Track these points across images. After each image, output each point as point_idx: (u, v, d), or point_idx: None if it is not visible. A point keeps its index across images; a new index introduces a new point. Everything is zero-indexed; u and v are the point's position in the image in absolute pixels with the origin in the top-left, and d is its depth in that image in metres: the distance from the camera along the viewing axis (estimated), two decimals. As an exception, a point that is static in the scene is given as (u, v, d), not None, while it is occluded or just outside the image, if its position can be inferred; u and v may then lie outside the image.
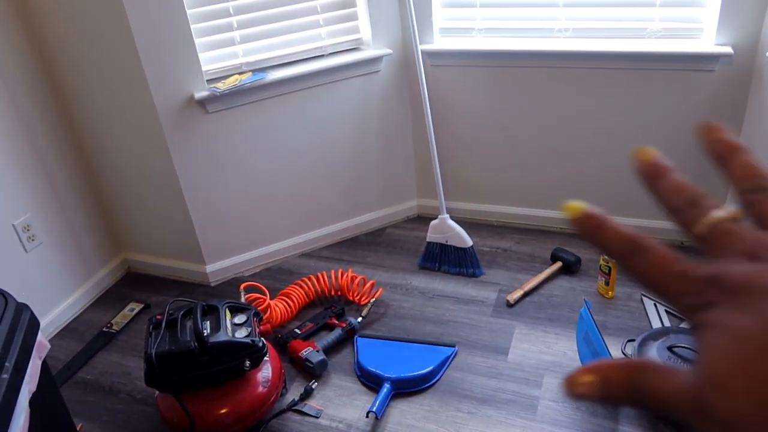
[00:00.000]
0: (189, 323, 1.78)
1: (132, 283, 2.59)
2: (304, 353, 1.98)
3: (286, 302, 2.20)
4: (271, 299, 2.17)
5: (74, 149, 2.36)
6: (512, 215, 2.65)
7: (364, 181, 2.62)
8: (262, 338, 1.80)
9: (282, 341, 2.10)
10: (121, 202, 2.48)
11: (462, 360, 1.98)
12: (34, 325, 1.27)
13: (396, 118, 2.55)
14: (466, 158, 2.59)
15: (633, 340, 1.81)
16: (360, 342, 2.08)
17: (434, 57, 2.40)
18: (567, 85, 2.28)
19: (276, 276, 2.52)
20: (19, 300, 2.17)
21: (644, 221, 2.43)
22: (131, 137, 2.25)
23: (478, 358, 1.98)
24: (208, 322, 1.77)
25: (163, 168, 2.26)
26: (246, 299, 2.06)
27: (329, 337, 2.07)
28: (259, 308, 2.10)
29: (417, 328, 2.14)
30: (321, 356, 1.97)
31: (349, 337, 2.11)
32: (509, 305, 2.19)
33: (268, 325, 1.83)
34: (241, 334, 1.75)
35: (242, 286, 2.07)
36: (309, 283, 2.29)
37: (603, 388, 0.27)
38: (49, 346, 1.31)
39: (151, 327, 1.76)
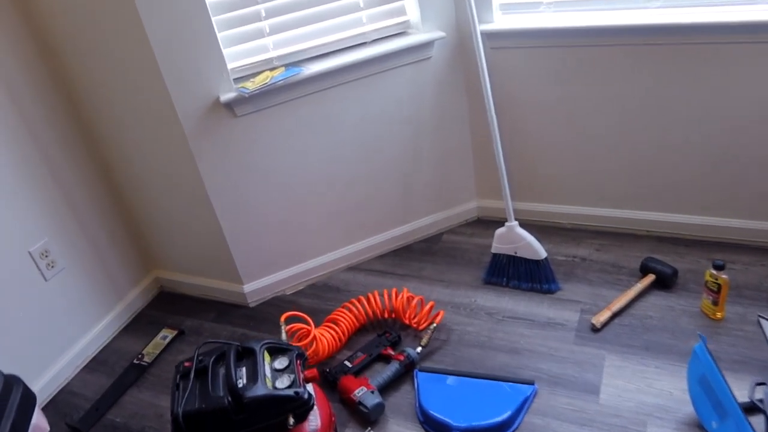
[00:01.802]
0: (222, 370, 1.52)
1: (165, 304, 2.37)
2: (358, 394, 1.70)
3: (334, 330, 1.93)
4: (316, 326, 1.90)
5: (92, 164, 2.12)
6: (589, 217, 2.29)
7: (417, 183, 2.31)
8: (308, 387, 1.52)
9: (331, 377, 1.83)
10: (149, 218, 2.25)
11: (544, 401, 1.67)
12: (27, 403, 1.02)
13: (451, 110, 2.22)
14: (533, 153, 2.24)
15: (764, 384, 1.45)
16: (421, 378, 1.78)
17: (495, 38, 2.05)
18: (657, 66, 1.89)
19: (321, 294, 2.24)
20: (42, 333, 1.97)
21: (741, 222, 2.04)
22: (153, 147, 2.00)
23: (563, 399, 1.66)
24: (244, 369, 1.51)
25: (189, 180, 2.00)
26: (287, 331, 1.79)
27: (385, 373, 1.79)
28: (303, 342, 1.83)
29: (486, 359, 1.83)
30: (377, 399, 1.69)
31: (407, 371, 1.83)
32: (595, 330, 1.86)
33: (315, 370, 1.55)
34: (283, 383, 1.48)
35: (283, 318, 1.80)
36: (359, 306, 2.00)
37: None
38: (47, 428, 1.06)
39: (178, 377, 1.51)
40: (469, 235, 2.40)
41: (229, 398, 1.42)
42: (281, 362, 1.55)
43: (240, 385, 1.45)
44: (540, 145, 2.22)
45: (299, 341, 1.86)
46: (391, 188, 2.28)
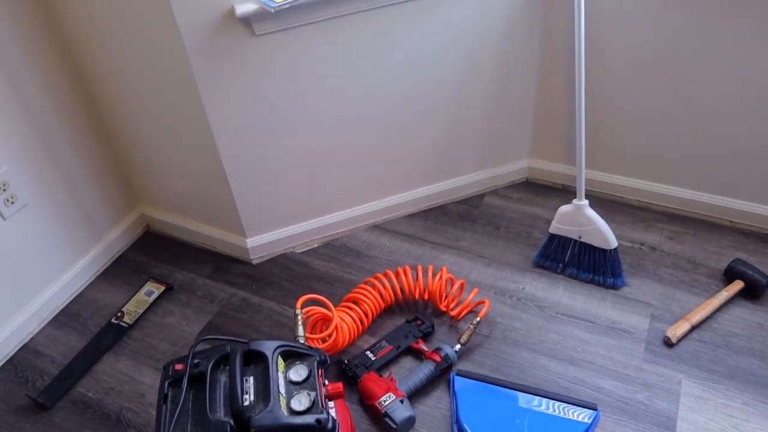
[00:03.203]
0: (224, 379, 1.19)
1: (151, 247, 2.01)
2: (385, 403, 1.40)
3: (355, 313, 1.60)
4: (334, 305, 1.56)
5: (66, 76, 1.67)
6: (661, 196, 1.93)
7: (463, 134, 1.91)
8: (330, 410, 1.21)
9: (350, 372, 1.52)
10: (136, 146, 1.83)
11: (608, 433, 1.39)
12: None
13: (520, 51, 1.78)
14: (608, 113, 1.84)
15: None
16: (458, 385, 1.48)
17: (595, -38, 1.59)
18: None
19: (337, 257, 1.90)
20: (1, 282, 1.61)
21: None
22: (144, 63, 1.56)
23: (630, 433, 1.38)
24: (252, 381, 1.18)
25: (187, 107, 1.59)
26: (303, 315, 1.46)
27: (417, 376, 1.48)
28: (322, 333, 1.50)
29: (535, 367, 1.53)
30: (408, 411, 1.39)
31: (442, 374, 1.52)
32: (669, 344, 1.55)
33: (340, 386, 1.24)
34: (301, 403, 1.16)
35: (299, 303, 1.45)
36: (386, 283, 1.67)
37: None
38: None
39: (167, 385, 1.18)
40: (515, 200, 2.04)
41: (232, 423, 1.10)
42: (299, 372, 1.22)
43: (246, 403, 1.13)
44: (619, 104, 1.81)
45: (315, 327, 1.54)
46: (433, 137, 1.87)
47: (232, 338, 1.24)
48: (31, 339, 1.73)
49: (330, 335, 1.49)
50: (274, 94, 1.60)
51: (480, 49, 1.73)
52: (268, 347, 1.22)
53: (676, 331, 1.56)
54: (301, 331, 1.37)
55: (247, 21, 1.45)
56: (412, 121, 1.80)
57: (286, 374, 1.22)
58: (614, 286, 1.71)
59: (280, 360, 1.23)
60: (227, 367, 1.20)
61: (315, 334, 1.52)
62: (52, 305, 1.78)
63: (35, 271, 1.72)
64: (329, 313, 1.50)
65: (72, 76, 1.68)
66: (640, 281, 1.72)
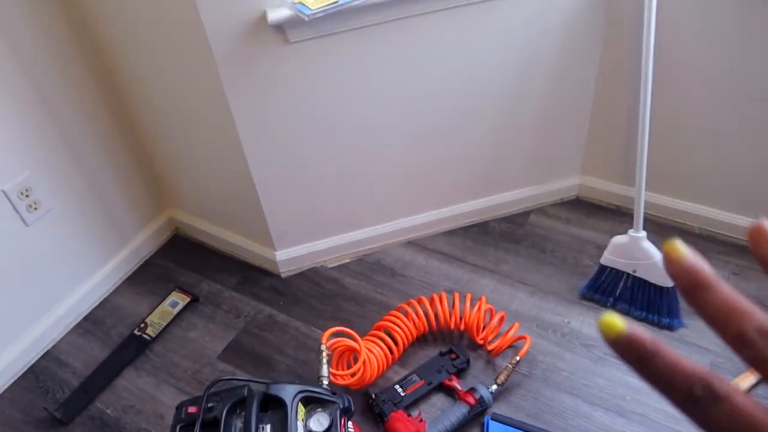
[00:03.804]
0: (239, 424, 1.11)
1: (178, 253, 1.94)
2: (411, 449, 1.30)
3: (386, 343, 1.49)
4: (361, 335, 1.46)
5: (92, 78, 1.60)
6: (727, 225, 1.75)
7: (512, 147, 1.76)
8: (352, 465, 1.12)
9: (377, 408, 1.43)
10: (166, 152, 1.76)
11: (657, 501, 1.25)
12: None
13: (579, 57, 1.62)
14: (677, 133, 1.67)
15: None
16: (493, 430, 1.37)
17: (670, -32, 1.41)
18: None
19: (370, 274, 1.79)
20: (25, 288, 1.56)
21: None
22: (172, 71, 1.47)
23: (683, 501, 1.25)
24: (269, 429, 1.10)
25: (216, 116, 1.49)
26: (329, 347, 1.36)
27: (448, 419, 1.37)
28: (350, 369, 1.41)
29: (578, 416, 1.40)
30: (436, 460, 1.29)
31: (475, 417, 1.41)
32: (731, 399, 1.40)
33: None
34: (320, 458, 1.07)
35: (325, 337, 1.35)
36: (420, 311, 1.56)
37: (623, 348, 0.22)
38: None
39: (178, 429, 1.11)
40: (564, 221, 1.88)
41: (245, 479, 1.02)
42: (320, 421, 1.13)
43: (261, 456, 1.05)
44: (685, 122, 1.63)
45: (341, 358, 1.44)
46: (477, 149, 1.74)
47: (250, 379, 1.16)
48: (54, 346, 1.69)
49: (358, 370, 1.39)
50: (306, 103, 1.49)
51: (535, 57, 1.57)
52: (288, 392, 1.13)
53: (739, 384, 1.40)
54: (324, 371, 1.27)
55: (280, 28, 1.33)
56: (454, 132, 1.67)
57: (306, 423, 1.13)
58: (670, 327, 1.56)
59: (300, 406, 1.14)
60: (243, 413, 1.12)
61: (341, 366, 1.43)
62: (76, 311, 1.74)
63: (59, 276, 1.68)
64: (356, 346, 1.40)
65: (98, 79, 1.61)
66: (699, 323, 1.56)
